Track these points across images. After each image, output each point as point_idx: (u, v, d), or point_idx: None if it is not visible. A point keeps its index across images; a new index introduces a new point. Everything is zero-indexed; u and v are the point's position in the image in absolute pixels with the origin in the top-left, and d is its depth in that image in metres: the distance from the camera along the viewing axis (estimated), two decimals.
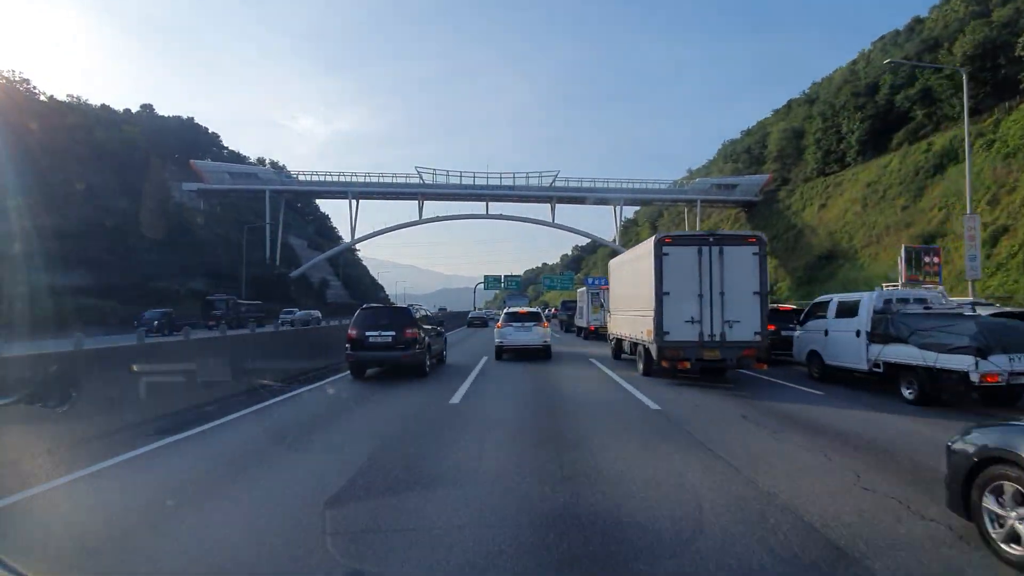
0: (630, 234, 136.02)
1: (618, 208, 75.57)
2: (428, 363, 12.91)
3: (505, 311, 18.33)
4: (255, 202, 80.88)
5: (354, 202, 74.63)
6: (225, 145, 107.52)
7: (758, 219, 70.86)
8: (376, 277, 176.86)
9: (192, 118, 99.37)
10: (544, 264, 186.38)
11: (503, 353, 16.21)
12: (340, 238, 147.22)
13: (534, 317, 17.01)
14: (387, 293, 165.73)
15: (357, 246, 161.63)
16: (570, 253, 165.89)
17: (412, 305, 17.90)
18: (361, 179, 72.19)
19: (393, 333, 11.95)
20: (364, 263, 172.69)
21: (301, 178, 72.56)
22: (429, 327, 13.76)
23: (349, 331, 12.28)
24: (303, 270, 73.14)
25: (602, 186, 73.27)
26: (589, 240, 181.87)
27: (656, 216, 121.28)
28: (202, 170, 70.53)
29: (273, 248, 72.84)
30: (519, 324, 16.49)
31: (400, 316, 12.71)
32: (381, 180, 72.28)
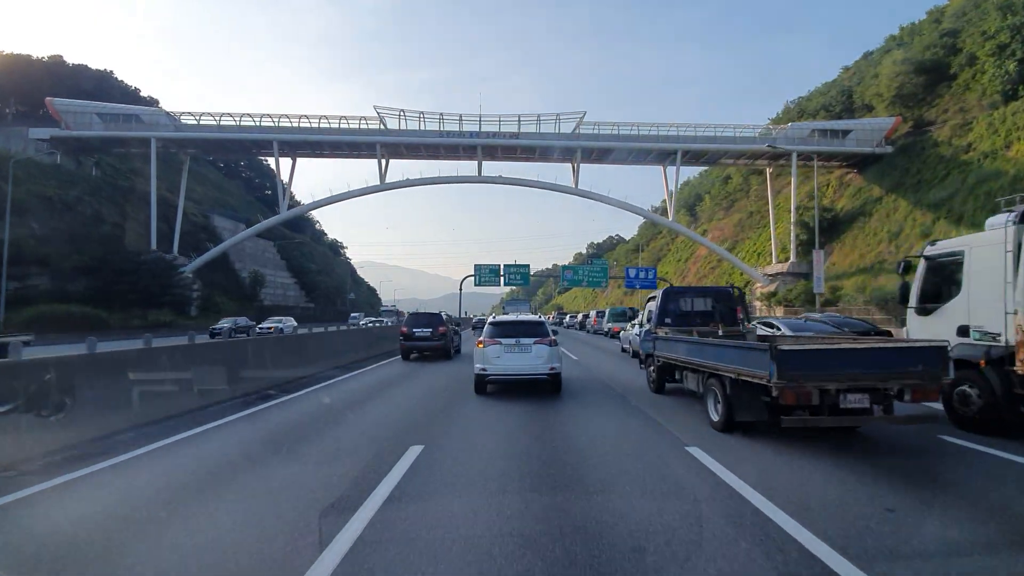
0: (657, 226, 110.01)
1: (669, 167, 49.67)
2: (452, 351, 17.70)
3: (490, 320, 10.80)
4: (163, 166, 56.02)
5: (287, 159, 49.64)
6: None
7: (887, 178, 45.01)
8: (365, 277, 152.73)
9: (111, 72, 75.01)
10: (554, 265, 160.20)
11: (487, 385, 9.98)
12: (312, 224, 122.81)
13: (534, 330, 9.93)
14: (380, 297, 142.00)
15: (341, 242, 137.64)
16: (584, 251, 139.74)
17: (441, 311, 19.45)
18: (293, 123, 46.97)
19: (431, 329, 16.78)
20: (357, 264, 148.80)
21: (206, 122, 47.39)
22: (452, 327, 18.84)
23: (401, 328, 17.79)
24: (206, 259, 47.79)
25: (649, 132, 47.43)
26: (606, 237, 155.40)
27: (695, 201, 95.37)
28: (60, 111, 45.72)
29: (169, 225, 47.75)
30: (512, 341, 9.62)
31: (435, 318, 17.62)
32: (322, 126, 46.99)
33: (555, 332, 10.68)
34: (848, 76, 76.92)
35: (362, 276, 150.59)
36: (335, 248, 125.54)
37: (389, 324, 39.25)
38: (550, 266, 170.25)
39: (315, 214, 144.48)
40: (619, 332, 26.32)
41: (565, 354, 16.57)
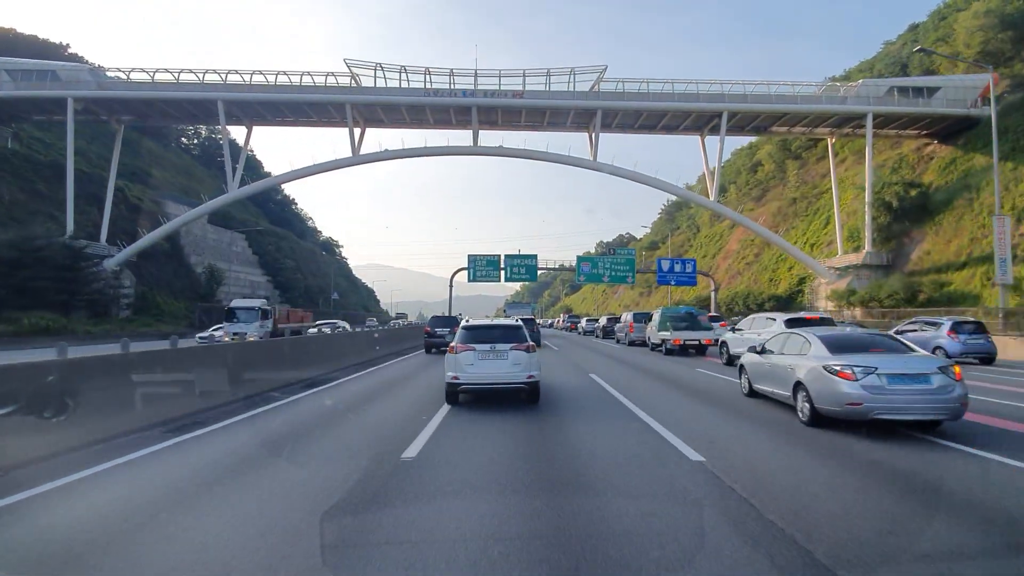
0: (680, 217, 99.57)
1: (710, 137, 39.78)
2: None
3: (462, 325, 9.34)
4: (98, 134, 46.61)
5: (241, 128, 40.30)
6: None
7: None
8: (371, 279, 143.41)
9: (66, 44, 65.78)
10: (561, 266, 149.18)
11: (459, 395, 8.69)
12: (304, 221, 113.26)
13: (511, 334, 8.65)
14: (378, 299, 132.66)
15: (337, 240, 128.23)
16: (594, 250, 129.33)
17: (460, 315, 22.26)
18: (243, 80, 37.30)
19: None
20: (361, 266, 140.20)
21: (139, 79, 37.76)
22: None
23: (425, 327, 20.86)
24: (136, 250, 38.06)
25: (687, 89, 37.46)
26: (616, 236, 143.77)
27: (719, 190, 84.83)
28: None
29: (98, 206, 38.28)
30: (486, 347, 8.47)
31: (452, 320, 19.99)
32: (280, 82, 37.31)
33: (535, 339, 10.22)
34: (897, 48, 67.03)
35: (364, 278, 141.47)
36: (328, 247, 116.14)
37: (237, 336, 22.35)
38: (556, 266, 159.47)
39: (308, 211, 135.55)
40: (681, 344, 16.35)
41: (655, 430, 6.69)
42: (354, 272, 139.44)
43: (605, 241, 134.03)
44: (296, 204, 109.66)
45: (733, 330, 13.09)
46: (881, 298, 30.54)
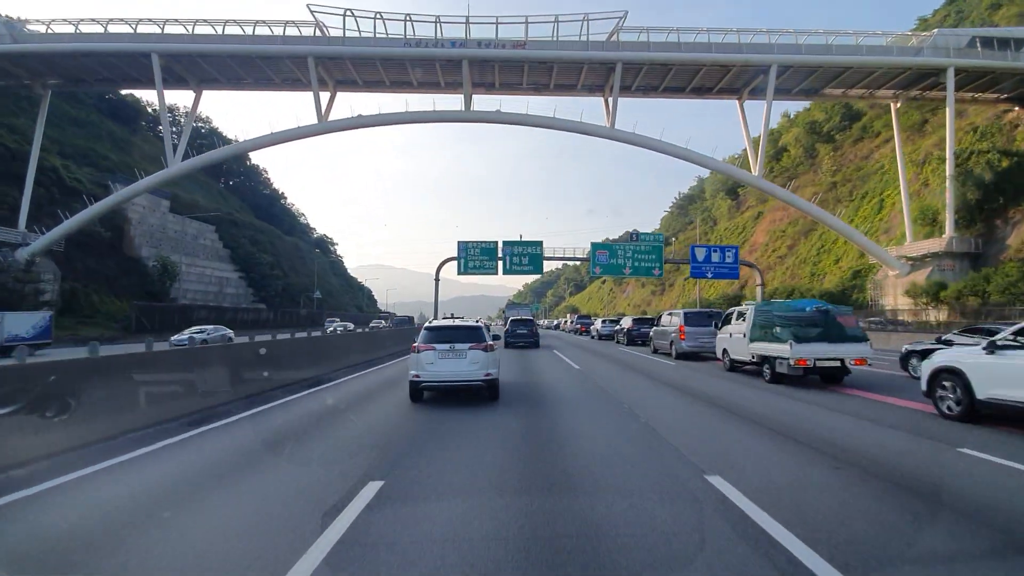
0: (694, 210, 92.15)
1: (749, 101, 32.89)
2: None
3: (425, 327, 9.35)
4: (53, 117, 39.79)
5: (187, 93, 33.71)
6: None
7: None
8: (362, 279, 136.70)
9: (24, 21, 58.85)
10: (572, 256, 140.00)
11: (422, 392, 8.77)
12: (296, 217, 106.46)
13: (470, 335, 8.81)
14: (376, 299, 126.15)
15: (330, 237, 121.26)
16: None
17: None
18: (186, 31, 30.41)
19: None
20: (363, 267, 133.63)
21: (57, 29, 30.93)
22: None
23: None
24: (54, 237, 31.23)
25: (724, 38, 30.44)
26: (623, 232, 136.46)
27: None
28: None
29: (21, 187, 31.55)
30: (446, 347, 8.65)
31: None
32: (227, 33, 30.41)
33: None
34: (938, 20, 60.11)
35: (364, 278, 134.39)
36: (322, 244, 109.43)
37: None
38: (559, 265, 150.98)
39: (302, 208, 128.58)
40: (809, 365, 9.29)
41: None
42: (354, 272, 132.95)
43: (611, 239, 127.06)
44: (286, 199, 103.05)
45: (990, 347, 5.99)
46: (990, 291, 23.37)
